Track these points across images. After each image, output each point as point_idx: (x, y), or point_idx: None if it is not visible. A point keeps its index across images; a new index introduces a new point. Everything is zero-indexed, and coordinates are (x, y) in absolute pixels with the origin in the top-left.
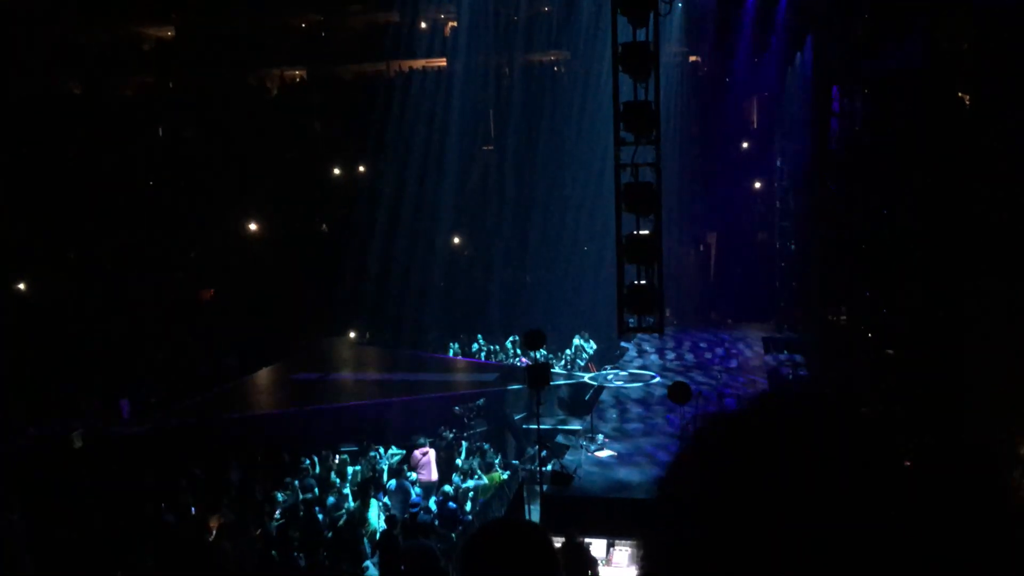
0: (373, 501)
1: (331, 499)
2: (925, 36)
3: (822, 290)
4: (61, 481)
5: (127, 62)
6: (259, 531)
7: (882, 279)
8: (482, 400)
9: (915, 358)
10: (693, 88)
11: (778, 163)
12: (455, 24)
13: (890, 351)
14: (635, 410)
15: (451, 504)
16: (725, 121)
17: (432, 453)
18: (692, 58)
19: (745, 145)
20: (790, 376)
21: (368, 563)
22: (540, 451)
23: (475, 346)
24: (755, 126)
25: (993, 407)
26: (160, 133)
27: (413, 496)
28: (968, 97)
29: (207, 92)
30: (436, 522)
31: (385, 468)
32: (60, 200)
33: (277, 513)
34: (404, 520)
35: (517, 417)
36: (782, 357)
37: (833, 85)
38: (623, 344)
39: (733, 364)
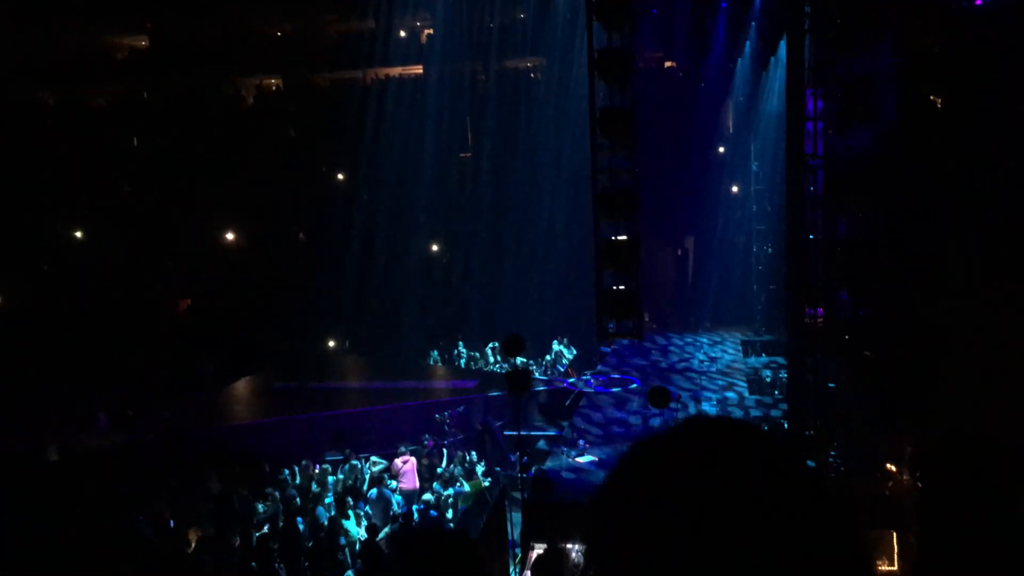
0: (352, 511)
1: (314, 509)
2: (897, 39)
3: (799, 292)
4: (37, 495)
5: (100, 72)
6: (239, 542)
7: (858, 281)
8: (462, 407)
9: (892, 359)
10: (669, 93)
11: (754, 167)
12: (431, 32)
13: (867, 352)
14: (615, 415)
15: (432, 512)
16: (701, 125)
17: (413, 461)
18: (667, 63)
19: (721, 149)
20: (768, 379)
21: (349, 572)
22: (521, 458)
23: (455, 352)
24: (731, 130)
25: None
26: (135, 143)
27: (394, 505)
28: (940, 99)
29: (182, 101)
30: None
31: (366, 477)
32: (34, 210)
33: (257, 524)
34: (391, 530)
35: (498, 424)
36: (760, 360)
37: (806, 88)
38: (603, 349)
39: (712, 368)
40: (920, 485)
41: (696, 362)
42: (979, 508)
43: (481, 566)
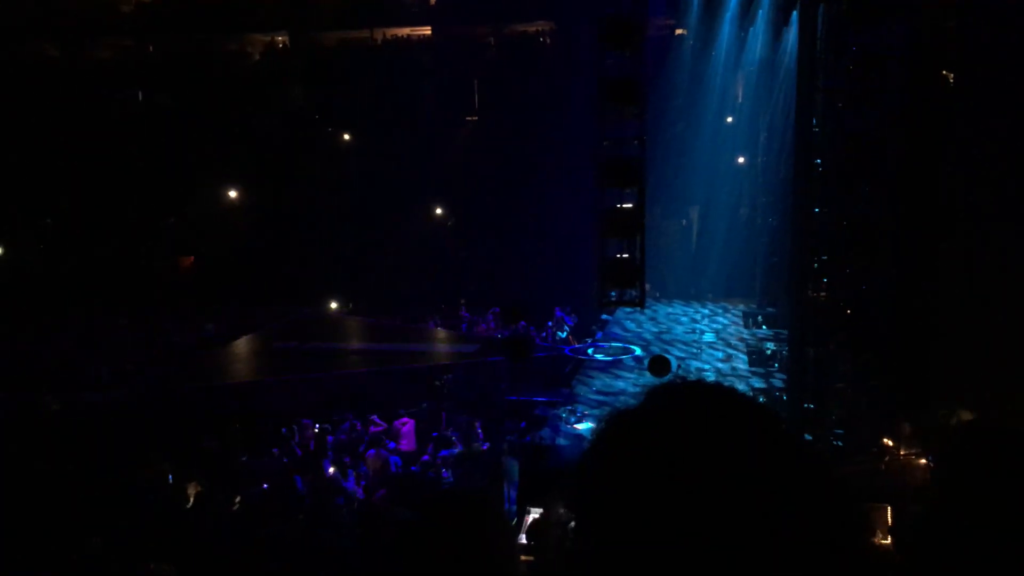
0: (351, 471)
1: (313, 468)
2: (910, 14)
3: (802, 266)
4: (37, 448)
5: (105, 25)
6: (237, 499)
7: (862, 257)
8: (461, 372)
9: (893, 337)
10: (678, 61)
11: (762, 138)
12: None
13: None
14: (614, 384)
15: (430, 474)
16: (710, 95)
17: (411, 423)
18: (678, 31)
19: (729, 119)
20: (769, 352)
21: (346, 532)
22: (519, 423)
23: (457, 317)
24: (740, 100)
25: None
26: (139, 97)
27: (392, 466)
28: (952, 75)
29: (187, 57)
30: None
31: (365, 438)
32: (37, 165)
33: (256, 481)
34: (389, 491)
35: (497, 389)
36: (761, 332)
37: (818, 61)
38: (604, 317)
39: (712, 339)
40: (931, 464)
41: (697, 335)
42: (997, 494)
43: (508, 532)
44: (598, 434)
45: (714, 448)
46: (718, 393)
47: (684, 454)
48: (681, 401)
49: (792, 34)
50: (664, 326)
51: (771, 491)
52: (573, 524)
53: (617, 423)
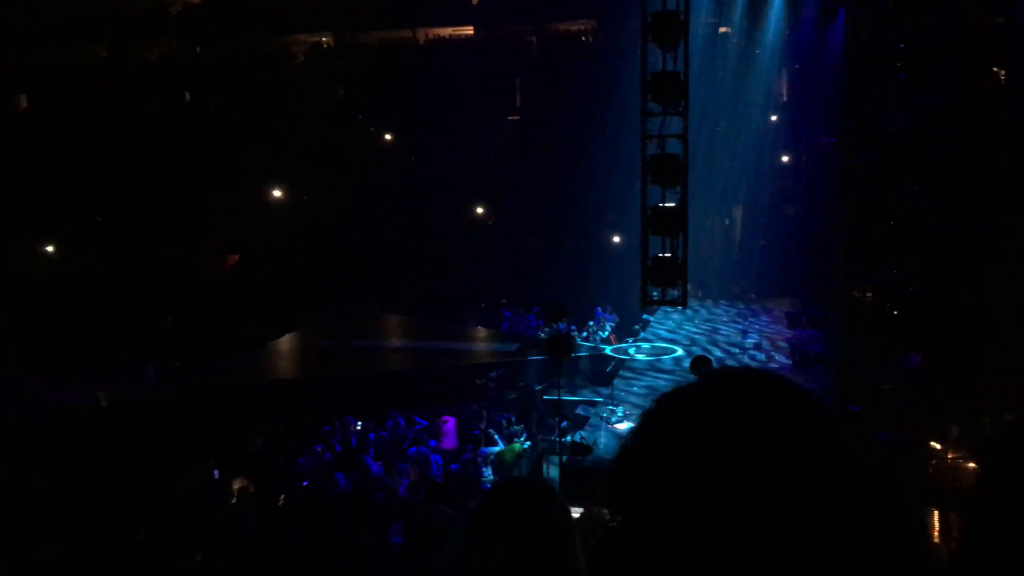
0: (395, 468)
1: (355, 466)
2: (958, 11)
3: (847, 266)
4: (86, 445)
5: (154, 27)
6: (281, 496)
7: (910, 257)
8: (502, 371)
9: (942, 338)
10: (722, 59)
11: (806, 137)
12: None
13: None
14: (656, 383)
15: (471, 472)
16: (754, 93)
17: (453, 421)
18: (722, 29)
19: (774, 118)
20: (813, 353)
21: (389, 529)
22: (560, 422)
23: (498, 316)
24: (784, 99)
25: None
26: (187, 98)
27: (433, 463)
28: (1003, 72)
29: (233, 58)
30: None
31: (407, 436)
32: (87, 165)
33: (299, 478)
34: (426, 487)
35: (538, 388)
36: (805, 333)
37: (865, 59)
38: (646, 316)
39: (755, 339)
40: (979, 466)
41: (740, 336)
42: None
43: (570, 519)
44: (644, 421)
45: (767, 438)
46: (772, 382)
47: (735, 444)
48: (734, 389)
49: (837, 31)
50: (708, 327)
51: (827, 488)
52: (610, 521)
53: (663, 410)
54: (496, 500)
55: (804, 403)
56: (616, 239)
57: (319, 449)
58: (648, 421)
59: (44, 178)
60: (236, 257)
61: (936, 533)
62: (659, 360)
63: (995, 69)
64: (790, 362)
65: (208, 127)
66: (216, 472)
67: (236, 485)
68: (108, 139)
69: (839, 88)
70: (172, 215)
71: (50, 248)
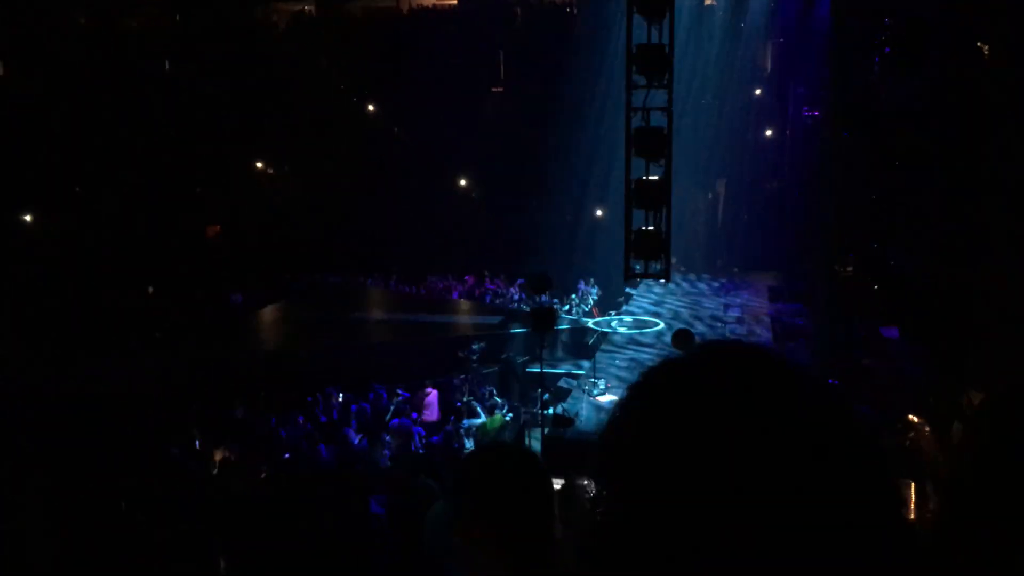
0: (377, 440)
1: (335, 436)
2: None
3: (829, 241)
4: (66, 414)
5: None
6: (264, 467)
7: (891, 232)
8: (483, 344)
9: (920, 311)
10: (707, 32)
11: (790, 111)
12: None
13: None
14: (638, 356)
15: (454, 444)
16: (738, 67)
17: (435, 393)
18: (708, 1)
19: (758, 92)
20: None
21: (372, 500)
22: (542, 395)
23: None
24: (768, 72)
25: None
26: (167, 67)
27: (415, 435)
28: (988, 47)
29: (214, 26)
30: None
31: (390, 408)
32: (66, 133)
33: (281, 449)
34: (408, 458)
35: (520, 360)
36: (787, 307)
37: (850, 33)
38: (628, 290)
39: (737, 313)
40: (959, 439)
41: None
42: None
43: (550, 484)
44: (629, 395)
45: (757, 407)
46: (760, 354)
47: (723, 417)
48: (722, 361)
49: (824, 5)
50: (690, 301)
51: (818, 455)
52: (600, 492)
53: (652, 383)
54: (475, 461)
55: (793, 376)
56: (600, 212)
57: (301, 420)
58: (636, 393)
59: (20, 146)
60: (218, 228)
61: (912, 505)
62: (641, 333)
63: (979, 44)
64: (771, 335)
65: (189, 96)
66: (198, 443)
67: (218, 456)
68: (87, 108)
69: (824, 62)
70: (153, 185)
71: (27, 217)
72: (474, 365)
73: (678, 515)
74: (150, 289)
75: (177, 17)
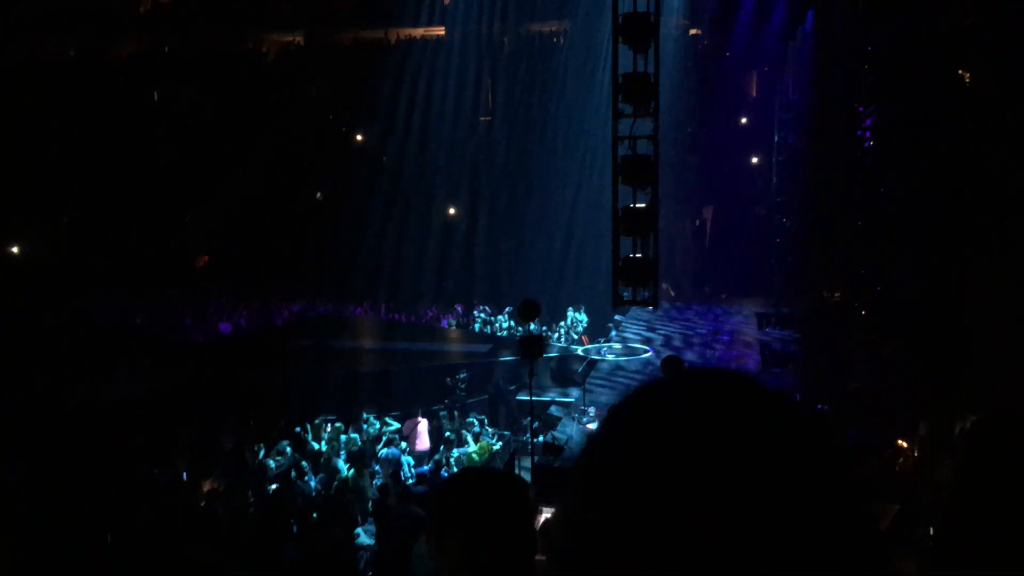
0: (366, 470)
1: (324, 466)
2: (927, 12)
3: (817, 266)
4: (53, 444)
5: (123, 25)
6: (252, 497)
7: (878, 257)
8: (474, 371)
9: (908, 335)
10: (693, 61)
11: (776, 138)
12: None
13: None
14: (627, 383)
15: (443, 472)
16: (724, 94)
17: (424, 422)
18: (692, 31)
19: (744, 120)
20: (783, 352)
21: (359, 530)
22: (532, 422)
23: (471, 316)
24: (754, 100)
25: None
26: (156, 97)
27: (404, 465)
28: (968, 74)
29: (204, 56)
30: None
31: (377, 437)
32: (55, 163)
33: (269, 479)
34: (398, 489)
35: (510, 388)
36: (775, 333)
37: (834, 60)
38: (617, 317)
39: (726, 339)
40: (955, 462)
41: (711, 335)
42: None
43: (533, 509)
44: (609, 418)
45: (734, 435)
46: (739, 381)
47: (700, 440)
48: (702, 386)
49: (807, 32)
50: (679, 327)
51: (793, 485)
52: (576, 519)
53: (629, 407)
54: (457, 483)
55: (773, 402)
56: (588, 239)
57: (290, 450)
58: (614, 418)
59: (9, 176)
60: (207, 257)
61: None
62: (631, 360)
63: (960, 72)
64: (760, 360)
65: (179, 125)
66: (185, 473)
67: (206, 487)
68: (77, 136)
69: (809, 89)
70: (142, 213)
71: (15, 249)
72: (462, 393)
73: (654, 540)
74: (138, 320)
75: (166, 48)
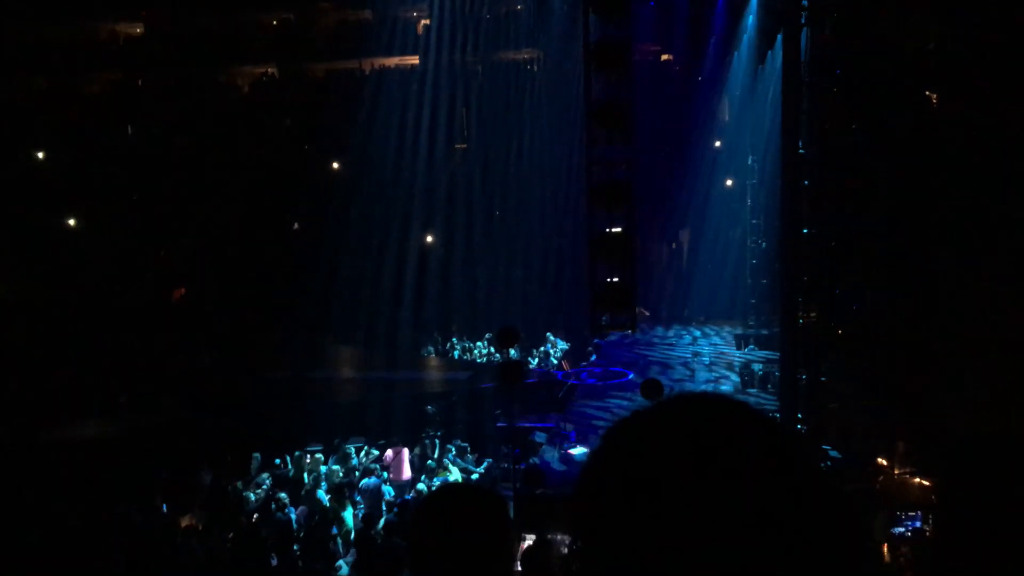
0: (348, 502)
1: (306, 499)
2: (893, 37)
3: (792, 287)
4: (28, 480)
5: (95, 59)
6: (231, 532)
7: (853, 277)
8: (454, 399)
9: (885, 354)
10: (666, 86)
11: (749, 161)
12: (427, 22)
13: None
14: (608, 407)
15: None
16: (697, 118)
17: (405, 452)
18: (664, 56)
19: (717, 143)
20: (760, 373)
21: (341, 562)
22: (513, 449)
23: (449, 344)
24: (727, 124)
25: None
26: (129, 131)
27: (386, 494)
28: (935, 96)
29: (176, 90)
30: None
31: (358, 467)
32: (25, 197)
33: (248, 513)
34: (386, 520)
35: (490, 416)
36: (753, 354)
37: (803, 83)
38: (597, 341)
39: (704, 361)
40: (932, 483)
41: (690, 357)
42: (1000, 499)
43: (511, 526)
44: (602, 446)
45: (721, 458)
46: (724, 404)
47: (689, 465)
48: (691, 412)
49: (777, 57)
50: (657, 351)
51: (782, 506)
52: (573, 546)
53: (621, 434)
54: (435, 500)
55: (762, 425)
56: (565, 264)
57: (269, 483)
58: (608, 446)
59: None
60: (182, 290)
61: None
62: (611, 384)
63: (928, 93)
64: (740, 382)
65: (152, 159)
66: (164, 506)
67: (184, 523)
68: (48, 171)
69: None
70: (115, 248)
71: None
72: (444, 421)
73: (654, 566)
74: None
75: (139, 82)
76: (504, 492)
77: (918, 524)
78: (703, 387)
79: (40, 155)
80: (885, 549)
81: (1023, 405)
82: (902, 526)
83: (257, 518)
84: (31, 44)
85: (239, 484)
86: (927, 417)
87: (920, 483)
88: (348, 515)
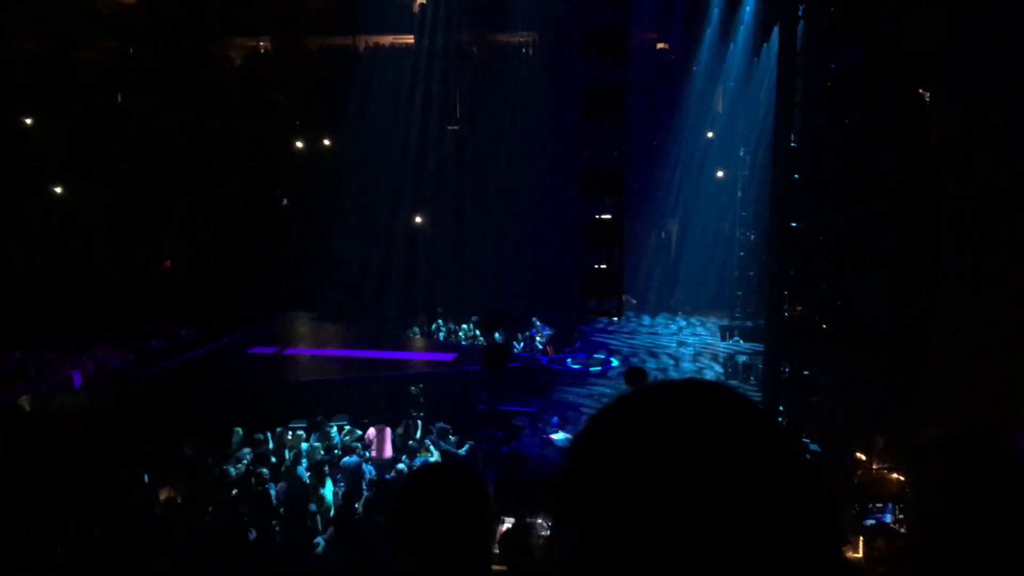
0: (328, 478)
1: (286, 474)
2: (888, 33)
3: (779, 280)
4: (6, 447)
5: (87, 27)
6: (210, 506)
7: (839, 271)
8: (438, 380)
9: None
10: (660, 74)
11: (741, 152)
12: (423, 1)
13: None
14: (592, 393)
15: None
16: (690, 109)
17: (388, 431)
18: (660, 45)
19: (710, 134)
20: (743, 364)
21: (319, 539)
22: (496, 432)
23: (434, 325)
24: (720, 115)
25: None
26: (119, 99)
27: (366, 473)
28: (928, 93)
29: (168, 60)
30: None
31: (339, 445)
32: (14, 164)
33: (228, 487)
34: (365, 498)
35: (473, 398)
36: (737, 346)
37: (797, 77)
38: (583, 327)
39: (689, 351)
40: (908, 478)
41: (675, 347)
42: (980, 505)
43: (491, 505)
44: (586, 430)
45: (708, 444)
46: (712, 390)
47: (676, 451)
48: (675, 397)
49: (772, 50)
50: (643, 339)
51: (765, 491)
52: (554, 531)
53: (606, 419)
54: (417, 478)
55: (747, 411)
56: (552, 249)
57: (251, 458)
58: (592, 431)
59: None
60: (169, 263)
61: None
62: (595, 370)
63: (921, 91)
64: (723, 373)
65: (142, 129)
66: (146, 476)
67: (163, 496)
68: (37, 139)
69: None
70: (103, 218)
71: None
72: (427, 402)
73: (638, 552)
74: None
75: (131, 50)
76: (485, 473)
77: (887, 517)
78: (686, 376)
79: (28, 121)
80: (860, 541)
81: (1010, 400)
82: (872, 518)
83: (237, 493)
84: (23, 10)
85: (219, 458)
86: (909, 412)
87: (897, 478)
88: (328, 492)
